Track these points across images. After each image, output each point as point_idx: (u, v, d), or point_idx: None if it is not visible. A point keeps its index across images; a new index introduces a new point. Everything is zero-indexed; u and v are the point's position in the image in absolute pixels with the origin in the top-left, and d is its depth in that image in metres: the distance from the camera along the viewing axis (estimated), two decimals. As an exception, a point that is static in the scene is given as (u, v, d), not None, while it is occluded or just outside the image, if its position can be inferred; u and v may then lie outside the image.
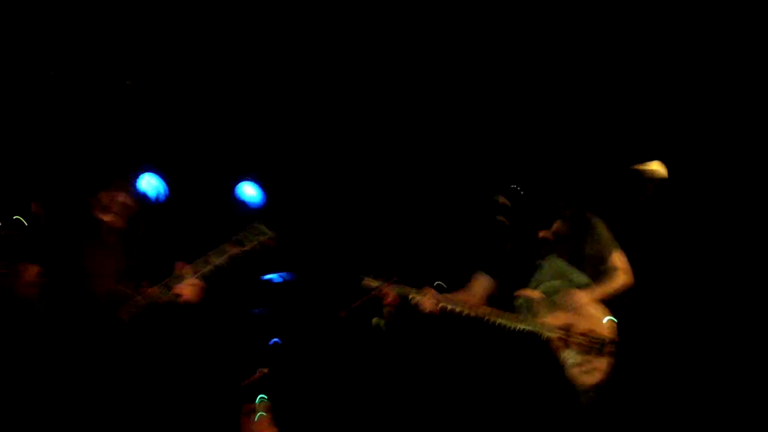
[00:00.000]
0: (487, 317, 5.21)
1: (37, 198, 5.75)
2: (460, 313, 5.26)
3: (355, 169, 8.64)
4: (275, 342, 7.64)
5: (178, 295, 5.16)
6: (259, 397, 6.99)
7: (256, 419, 6.88)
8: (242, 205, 8.73)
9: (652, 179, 8.04)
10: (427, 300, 5.25)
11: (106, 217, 5.38)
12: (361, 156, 8.59)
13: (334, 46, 7.69)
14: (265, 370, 7.14)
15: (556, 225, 5.42)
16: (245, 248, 5.31)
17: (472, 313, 5.24)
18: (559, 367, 5.15)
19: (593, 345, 5.15)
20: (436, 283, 6.84)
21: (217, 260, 5.25)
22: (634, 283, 5.36)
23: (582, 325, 5.15)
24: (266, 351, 7.58)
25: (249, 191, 8.74)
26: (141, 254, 5.41)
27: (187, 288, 5.17)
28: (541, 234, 5.41)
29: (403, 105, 8.30)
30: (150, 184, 7.96)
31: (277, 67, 7.98)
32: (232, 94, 8.22)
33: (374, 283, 5.35)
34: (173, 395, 5.64)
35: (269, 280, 8.00)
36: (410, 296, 5.31)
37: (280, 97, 8.29)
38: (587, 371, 5.12)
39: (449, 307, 5.25)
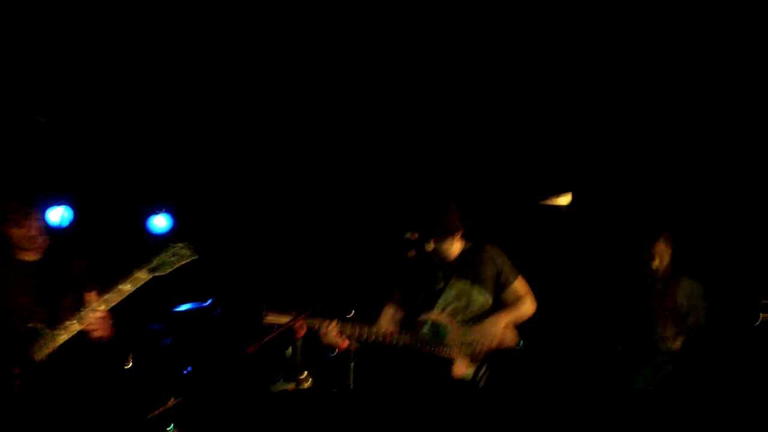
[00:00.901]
0: (395, 341, 5.32)
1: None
2: (368, 339, 5.34)
3: (266, 199, 8.72)
4: (188, 371, 7.61)
5: (90, 330, 5.00)
6: (170, 426, 6.98)
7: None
8: (152, 235, 8.76)
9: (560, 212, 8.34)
10: (332, 329, 5.29)
11: (21, 253, 5.27)
12: (271, 186, 8.68)
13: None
14: (176, 400, 7.12)
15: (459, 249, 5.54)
16: (162, 274, 4.95)
17: (380, 339, 5.34)
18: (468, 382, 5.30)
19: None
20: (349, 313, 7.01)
21: (126, 287, 4.91)
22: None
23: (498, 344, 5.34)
24: (177, 381, 7.56)
25: (159, 222, 8.75)
26: (52, 287, 5.29)
27: (97, 320, 4.94)
28: (445, 257, 5.49)
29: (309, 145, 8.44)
30: (58, 214, 7.93)
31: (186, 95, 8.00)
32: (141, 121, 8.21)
33: (280, 319, 5.37)
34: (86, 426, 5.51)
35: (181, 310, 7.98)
36: (316, 326, 5.33)
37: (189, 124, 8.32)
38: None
39: (356, 333, 5.32)
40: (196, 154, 8.60)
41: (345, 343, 5.42)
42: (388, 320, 5.57)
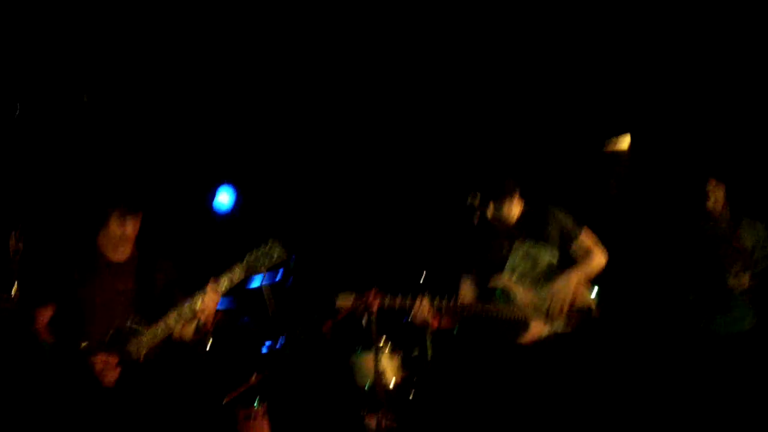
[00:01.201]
0: (476, 310, 5.36)
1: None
2: (459, 312, 5.38)
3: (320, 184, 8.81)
4: (268, 347, 7.75)
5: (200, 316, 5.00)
6: (256, 400, 7.13)
7: (252, 423, 7.02)
8: (218, 213, 8.87)
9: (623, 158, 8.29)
10: (424, 306, 5.29)
11: (110, 253, 5.23)
12: (327, 170, 8.76)
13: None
14: (260, 376, 7.26)
15: (519, 214, 5.55)
16: (259, 271, 5.04)
17: (466, 312, 5.38)
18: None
19: (581, 315, 5.36)
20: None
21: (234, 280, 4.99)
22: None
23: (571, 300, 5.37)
24: (259, 357, 7.71)
25: (224, 198, 8.86)
26: (145, 285, 5.29)
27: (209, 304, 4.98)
28: (506, 220, 5.51)
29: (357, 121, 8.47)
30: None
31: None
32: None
33: (349, 301, 5.43)
34: (172, 404, 5.60)
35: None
36: (406, 305, 5.32)
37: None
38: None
39: (443, 308, 5.29)
40: (260, 131, 8.65)
41: (436, 321, 5.39)
42: (468, 291, 5.59)
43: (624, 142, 8.32)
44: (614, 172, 8.31)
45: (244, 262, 5.02)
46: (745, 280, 6.30)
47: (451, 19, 7.43)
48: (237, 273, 5.02)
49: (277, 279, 8.13)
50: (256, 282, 8.09)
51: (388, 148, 8.74)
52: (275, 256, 5.05)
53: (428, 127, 8.54)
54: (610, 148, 8.35)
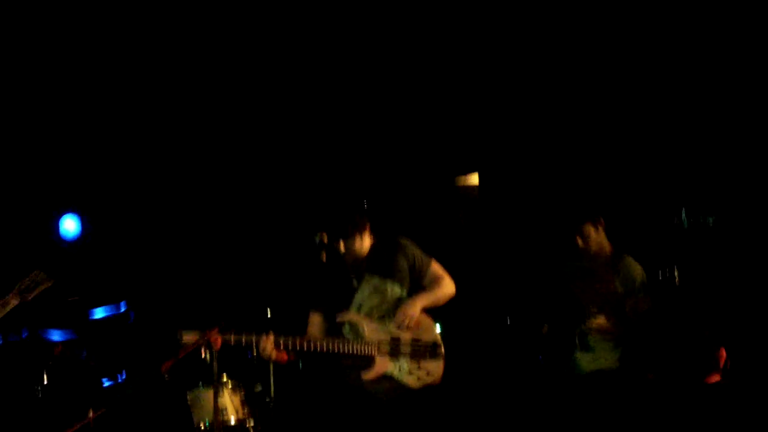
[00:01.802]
0: (324, 347, 5.31)
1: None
2: (302, 349, 5.32)
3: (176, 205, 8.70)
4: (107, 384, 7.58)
5: None
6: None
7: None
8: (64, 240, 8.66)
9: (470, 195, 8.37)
10: (269, 343, 5.21)
11: None
12: (181, 192, 8.65)
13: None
14: (97, 413, 7.06)
15: (369, 245, 5.54)
16: (30, 298, 5.17)
17: (312, 347, 5.32)
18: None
19: (426, 349, 5.36)
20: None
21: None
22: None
23: (416, 334, 5.36)
24: (98, 393, 7.51)
25: (69, 226, 8.65)
26: None
27: None
28: (356, 255, 5.50)
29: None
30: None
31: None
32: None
33: (192, 336, 5.33)
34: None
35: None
36: (252, 340, 5.22)
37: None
38: (422, 377, 5.34)
39: (290, 344, 5.26)
40: (105, 157, 8.49)
41: (284, 356, 5.33)
42: (315, 327, 5.55)
43: (473, 178, 8.44)
44: (464, 205, 8.41)
45: (15, 289, 5.10)
46: (601, 320, 6.29)
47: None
48: (11, 302, 5.10)
49: (121, 311, 7.97)
50: (98, 314, 7.91)
51: (237, 183, 8.67)
52: (41, 283, 5.15)
53: (277, 161, 8.51)
54: (461, 182, 8.45)
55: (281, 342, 5.22)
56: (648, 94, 7.43)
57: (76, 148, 8.43)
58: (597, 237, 6.39)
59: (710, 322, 6.24)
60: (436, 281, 5.49)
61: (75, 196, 8.69)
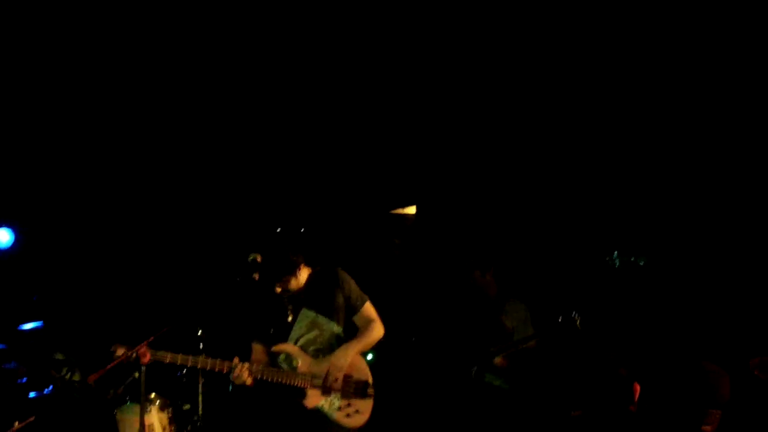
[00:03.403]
0: (266, 375, 5.36)
1: None
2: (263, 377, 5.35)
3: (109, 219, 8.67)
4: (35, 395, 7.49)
5: None
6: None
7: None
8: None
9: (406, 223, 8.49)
10: (245, 370, 5.28)
11: None
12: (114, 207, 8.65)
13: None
14: (21, 424, 6.99)
15: (305, 278, 5.61)
16: None
17: (266, 377, 5.36)
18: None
19: (357, 387, 5.45)
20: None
21: None
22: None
23: (348, 371, 5.45)
24: (24, 404, 7.43)
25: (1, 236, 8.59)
26: None
27: None
28: (293, 290, 5.56)
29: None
30: None
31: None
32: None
33: (121, 351, 5.33)
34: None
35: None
36: (226, 367, 5.33)
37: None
38: (351, 414, 5.42)
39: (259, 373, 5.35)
40: (39, 169, 8.44)
41: (251, 379, 5.37)
42: (259, 356, 5.60)
43: (410, 209, 8.56)
44: (398, 232, 8.52)
45: None
46: (499, 360, 6.56)
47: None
48: None
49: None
50: (27, 324, 7.83)
51: (171, 200, 8.69)
52: None
53: (213, 180, 8.56)
54: (397, 211, 8.56)
55: (252, 370, 5.32)
56: (582, 136, 7.60)
57: (10, 160, 8.35)
58: (490, 283, 6.70)
59: (625, 360, 6.44)
60: (367, 325, 5.63)
61: (7, 207, 8.61)
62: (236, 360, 5.33)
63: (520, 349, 6.55)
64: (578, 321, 6.26)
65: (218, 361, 5.34)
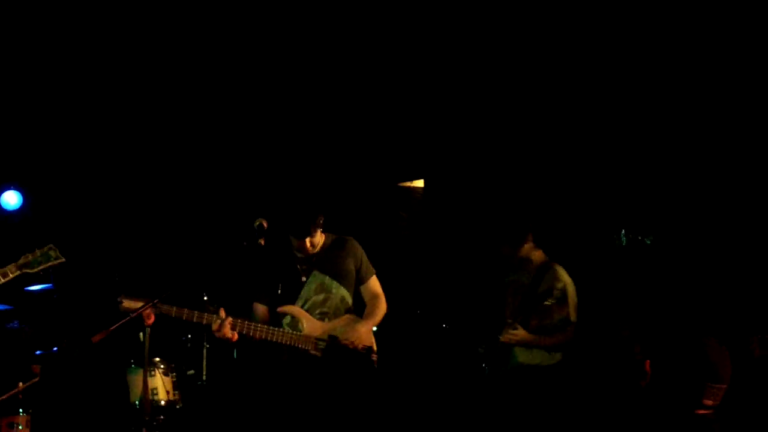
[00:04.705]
0: (268, 336, 5.36)
1: None
2: (253, 335, 5.33)
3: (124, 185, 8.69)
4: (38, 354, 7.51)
5: None
6: (18, 410, 6.89)
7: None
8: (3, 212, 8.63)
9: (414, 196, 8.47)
10: (227, 324, 5.24)
11: None
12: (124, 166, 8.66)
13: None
14: (25, 385, 7.01)
15: (320, 242, 5.60)
16: (32, 271, 5.29)
17: (262, 335, 5.36)
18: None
19: (363, 350, 5.46)
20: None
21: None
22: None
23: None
24: (27, 365, 7.45)
25: (10, 198, 8.62)
26: None
27: None
28: (308, 247, 5.56)
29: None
30: None
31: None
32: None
33: (133, 305, 5.34)
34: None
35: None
36: (208, 319, 5.30)
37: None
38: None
39: (245, 329, 5.29)
40: (48, 130, 8.46)
41: (236, 336, 5.34)
42: (260, 318, 5.60)
43: (419, 182, 8.55)
44: (407, 204, 8.51)
45: (20, 262, 5.23)
46: (513, 335, 6.32)
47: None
48: (10, 272, 5.22)
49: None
50: (36, 286, 7.86)
51: (178, 161, 8.72)
52: (52, 258, 5.33)
53: (221, 146, 8.57)
54: (405, 184, 8.55)
55: (237, 324, 5.29)
56: (594, 111, 7.58)
57: (19, 122, 8.37)
58: (520, 252, 6.54)
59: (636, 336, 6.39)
60: (374, 300, 5.68)
61: (15, 170, 8.65)
62: (222, 312, 5.31)
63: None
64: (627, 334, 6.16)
65: (205, 315, 5.34)
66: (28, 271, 5.27)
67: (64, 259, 5.38)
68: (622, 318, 6.41)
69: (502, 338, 6.22)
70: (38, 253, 5.29)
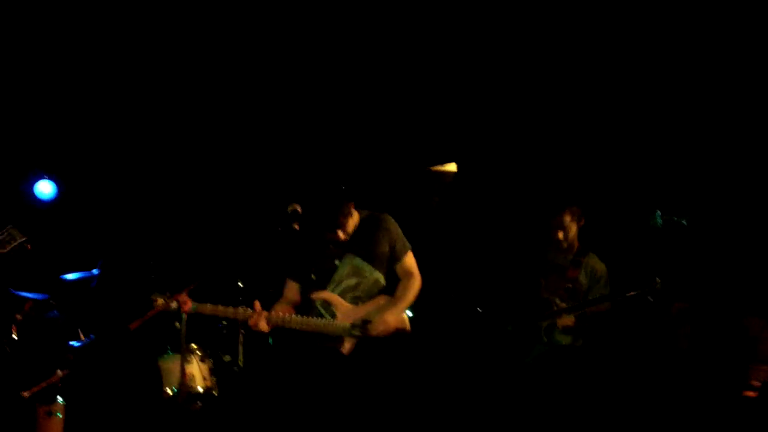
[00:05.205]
0: (301, 326, 5.36)
1: None
2: (285, 325, 5.35)
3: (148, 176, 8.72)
4: (75, 344, 7.55)
5: None
6: (56, 398, 6.92)
7: (51, 420, 6.82)
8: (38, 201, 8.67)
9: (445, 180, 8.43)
10: (263, 318, 5.27)
11: None
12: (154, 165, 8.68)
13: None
14: (63, 373, 7.05)
15: (353, 225, 5.57)
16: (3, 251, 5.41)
17: (295, 325, 5.36)
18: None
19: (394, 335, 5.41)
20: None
21: None
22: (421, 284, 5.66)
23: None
24: (64, 353, 7.49)
25: (44, 188, 8.66)
26: None
27: None
28: (339, 235, 5.53)
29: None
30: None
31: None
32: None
33: (160, 299, 5.35)
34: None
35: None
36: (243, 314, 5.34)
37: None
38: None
39: (280, 321, 5.33)
40: (81, 121, 8.48)
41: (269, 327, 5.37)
42: (292, 294, 5.58)
43: (451, 165, 8.51)
44: (439, 188, 8.47)
45: None
46: (566, 320, 6.33)
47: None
48: None
49: (94, 273, 7.95)
50: (72, 275, 7.90)
51: (211, 150, 8.71)
52: (15, 238, 5.44)
53: (251, 134, 8.57)
54: (437, 167, 8.51)
55: (272, 319, 5.31)
56: (626, 94, 7.51)
57: (53, 112, 8.40)
58: (574, 229, 6.50)
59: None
60: (408, 280, 5.57)
61: (51, 159, 8.67)
62: (257, 305, 5.33)
63: (591, 312, 6.33)
64: (659, 285, 6.03)
65: (240, 309, 5.37)
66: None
67: (24, 238, 5.47)
68: (668, 296, 6.32)
69: (559, 323, 6.23)
70: (4, 232, 5.41)
